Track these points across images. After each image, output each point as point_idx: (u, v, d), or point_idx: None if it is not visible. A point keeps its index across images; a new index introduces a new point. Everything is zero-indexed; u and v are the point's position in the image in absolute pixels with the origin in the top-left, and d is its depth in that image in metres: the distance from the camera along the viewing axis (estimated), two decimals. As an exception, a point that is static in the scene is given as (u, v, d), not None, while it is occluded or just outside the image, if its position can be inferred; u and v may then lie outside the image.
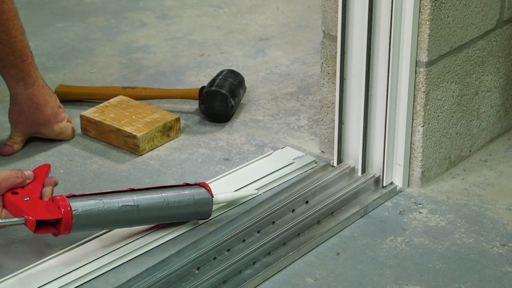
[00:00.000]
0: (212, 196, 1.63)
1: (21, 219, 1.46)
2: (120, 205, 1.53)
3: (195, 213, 1.62)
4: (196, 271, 1.51)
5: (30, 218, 1.46)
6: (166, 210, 1.57)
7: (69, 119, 1.95)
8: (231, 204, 1.69)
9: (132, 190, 1.56)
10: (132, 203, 1.54)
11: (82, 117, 1.95)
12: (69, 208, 1.47)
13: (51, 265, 1.53)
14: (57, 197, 1.49)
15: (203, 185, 1.63)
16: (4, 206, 1.52)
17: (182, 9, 2.60)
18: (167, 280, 1.48)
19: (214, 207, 1.65)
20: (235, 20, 2.53)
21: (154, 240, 1.59)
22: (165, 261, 1.52)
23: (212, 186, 1.74)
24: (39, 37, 2.42)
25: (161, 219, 1.59)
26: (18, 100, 1.84)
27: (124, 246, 1.57)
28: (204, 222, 1.65)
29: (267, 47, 2.36)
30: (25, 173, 1.54)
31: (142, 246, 1.58)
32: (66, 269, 1.51)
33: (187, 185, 1.62)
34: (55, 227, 1.49)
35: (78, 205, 1.49)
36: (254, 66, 2.26)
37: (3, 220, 1.48)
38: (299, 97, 2.11)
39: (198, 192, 1.62)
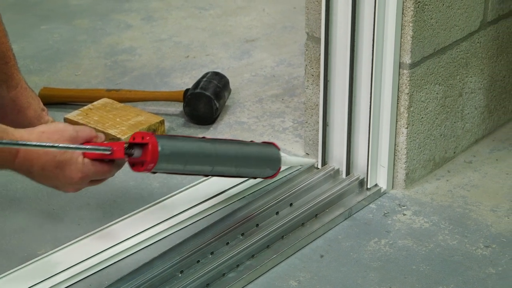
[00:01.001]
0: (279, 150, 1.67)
1: (108, 148, 1.42)
2: (199, 142, 1.53)
3: (265, 167, 1.63)
4: (180, 275, 1.51)
5: (116, 149, 1.41)
6: (241, 158, 1.58)
7: (53, 122, 1.94)
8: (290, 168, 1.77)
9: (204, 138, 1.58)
10: (210, 143, 1.54)
11: (66, 120, 1.94)
12: (154, 137, 1.44)
13: (33, 269, 1.52)
14: (138, 132, 1.45)
15: (270, 143, 1.67)
16: (84, 156, 1.46)
17: (168, 11, 2.60)
18: (150, 284, 1.48)
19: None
20: (221, 22, 2.53)
21: (137, 244, 1.59)
22: (148, 265, 1.51)
23: (196, 188, 1.74)
24: (24, 39, 2.41)
25: (234, 167, 1.58)
26: (1, 103, 1.83)
27: (107, 250, 1.56)
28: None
29: (253, 49, 2.36)
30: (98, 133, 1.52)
31: (125, 250, 1.57)
32: (48, 273, 1.51)
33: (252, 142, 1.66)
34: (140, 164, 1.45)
35: (160, 138, 1.46)
36: (239, 68, 2.26)
37: (90, 147, 1.42)
38: (284, 99, 2.11)
39: (268, 147, 1.65)
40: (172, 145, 1.47)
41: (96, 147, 1.43)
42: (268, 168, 1.65)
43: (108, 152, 1.42)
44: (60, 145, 1.39)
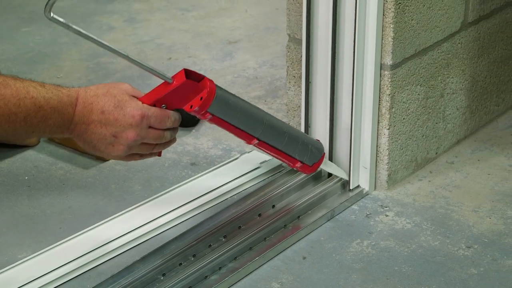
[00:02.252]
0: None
1: (169, 78, 1.43)
2: (252, 104, 1.55)
3: (310, 152, 1.63)
4: (162, 277, 1.51)
5: (176, 77, 1.43)
6: (287, 134, 1.58)
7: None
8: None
9: None
10: (260, 110, 1.56)
11: (47, 122, 1.93)
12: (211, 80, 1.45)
13: (13, 273, 1.51)
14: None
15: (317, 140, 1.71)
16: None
17: (150, 12, 2.59)
18: (132, 287, 1.47)
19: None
20: (203, 23, 2.52)
21: (119, 247, 1.58)
22: (130, 268, 1.51)
23: (179, 190, 1.74)
24: (5, 41, 2.40)
25: (283, 137, 1.58)
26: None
27: (88, 253, 1.56)
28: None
29: (235, 50, 2.36)
30: None
31: (106, 253, 1.57)
32: (29, 277, 1.50)
33: None
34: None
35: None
36: (222, 70, 2.26)
37: (155, 69, 1.42)
38: (267, 100, 2.11)
39: (315, 141, 1.67)
40: (225, 92, 1.48)
41: (160, 72, 1.43)
42: (311, 152, 1.64)
43: (170, 81, 1.43)
44: (130, 56, 1.40)
